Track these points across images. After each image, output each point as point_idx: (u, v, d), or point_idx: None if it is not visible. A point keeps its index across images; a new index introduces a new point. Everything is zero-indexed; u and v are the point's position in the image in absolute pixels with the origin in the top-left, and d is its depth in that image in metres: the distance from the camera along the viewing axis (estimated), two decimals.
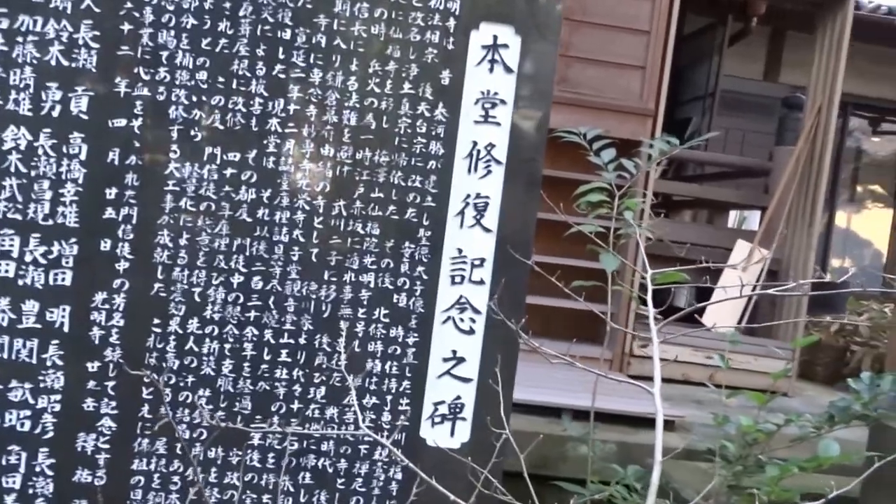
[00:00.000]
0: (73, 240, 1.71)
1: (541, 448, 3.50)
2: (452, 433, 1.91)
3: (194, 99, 1.74)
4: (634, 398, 4.25)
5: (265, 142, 1.76)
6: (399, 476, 1.89)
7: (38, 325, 1.71)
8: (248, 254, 1.77)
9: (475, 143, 1.85)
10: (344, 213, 1.80)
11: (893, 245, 5.35)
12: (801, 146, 5.30)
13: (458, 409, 1.90)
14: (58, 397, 1.72)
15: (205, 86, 1.74)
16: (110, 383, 1.75)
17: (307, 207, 1.78)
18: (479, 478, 1.63)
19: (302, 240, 1.78)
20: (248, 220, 1.77)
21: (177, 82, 1.73)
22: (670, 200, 8.35)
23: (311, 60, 1.78)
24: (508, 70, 1.88)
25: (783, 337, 5.48)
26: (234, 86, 1.75)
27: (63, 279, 1.71)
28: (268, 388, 1.80)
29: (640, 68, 4.99)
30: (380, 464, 1.88)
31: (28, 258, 1.69)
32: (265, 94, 1.76)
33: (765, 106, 8.38)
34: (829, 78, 5.25)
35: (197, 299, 1.77)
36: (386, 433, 1.87)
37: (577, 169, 3.95)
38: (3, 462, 1.71)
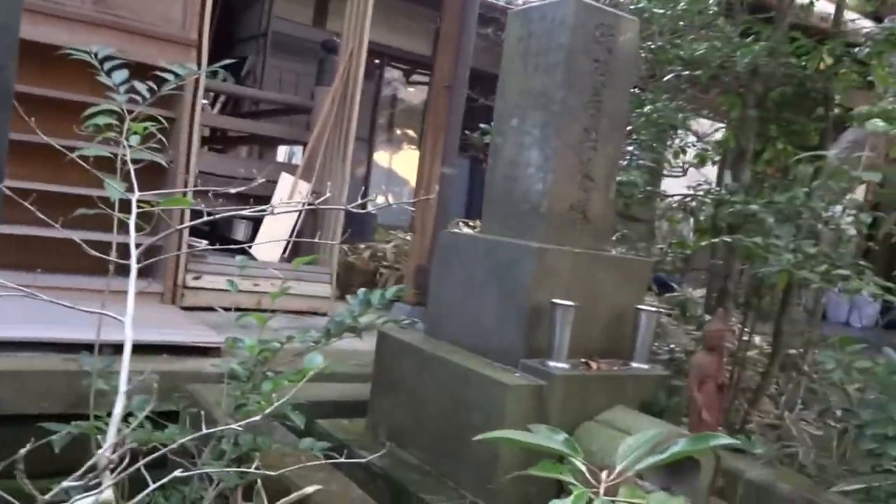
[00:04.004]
0: None
1: (74, 387, 3.02)
2: None
3: None
4: (185, 329, 3.98)
5: None
6: None
7: None
8: None
9: None
10: None
11: (418, 182, 5.70)
12: (336, 86, 5.34)
13: None
14: None
15: None
16: None
17: None
18: None
19: None
20: None
21: None
22: (228, 136, 8.06)
23: None
24: None
25: (323, 263, 5.57)
26: None
27: None
28: None
29: None
30: None
31: None
32: None
33: (314, 49, 8.46)
34: (359, 25, 5.34)
35: None
36: None
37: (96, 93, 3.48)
38: None
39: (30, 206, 1.55)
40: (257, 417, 1.49)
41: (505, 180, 2.95)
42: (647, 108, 3.89)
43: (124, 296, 1.48)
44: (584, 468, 1.28)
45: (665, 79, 4.04)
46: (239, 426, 1.41)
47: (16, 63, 1.53)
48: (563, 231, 2.81)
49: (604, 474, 1.27)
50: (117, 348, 3.21)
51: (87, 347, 3.30)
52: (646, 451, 1.34)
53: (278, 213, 5.44)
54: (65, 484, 1.02)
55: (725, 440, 1.27)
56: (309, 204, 5.30)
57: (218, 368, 2.31)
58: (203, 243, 5.39)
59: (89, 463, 1.07)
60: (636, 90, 4.06)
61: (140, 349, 3.49)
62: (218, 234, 7.11)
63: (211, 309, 4.53)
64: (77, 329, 3.22)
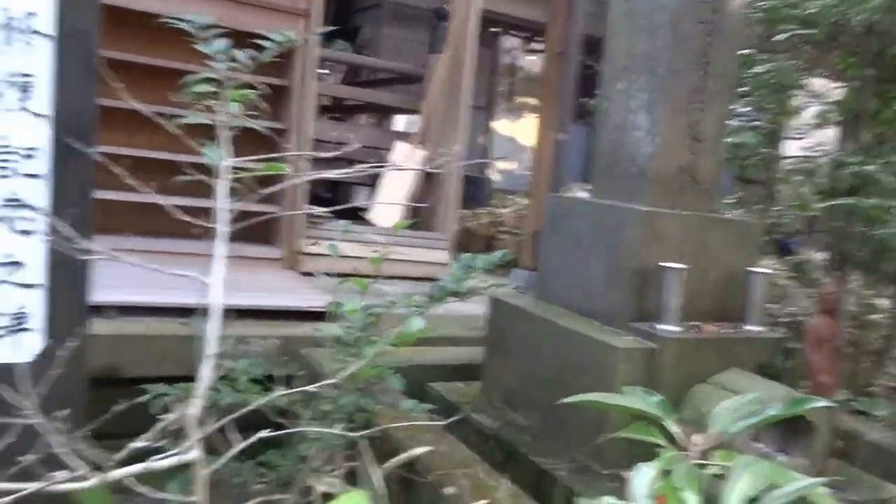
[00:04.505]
0: None
1: (192, 351, 3.19)
2: (19, 346, 1.56)
3: None
4: (301, 294, 4.10)
5: None
6: None
7: None
8: None
9: (7, 11, 1.44)
10: None
11: (535, 149, 5.65)
12: (448, 54, 5.33)
13: (22, 320, 1.56)
14: None
15: None
16: None
17: None
18: (63, 389, 1.31)
19: None
20: None
21: None
22: (346, 105, 8.20)
23: None
24: None
25: (440, 229, 5.59)
26: None
27: None
28: None
29: None
30: None
31: None
32: None
33: (428, 18, 8.46)
34: None
35: None
36: None
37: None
38: None
39: (118, 173, 1.59)
40: (336, 380, 1.51)
41: (612, 144, 2.89)
42: (760, 69, 3.68)
43: (235, 260, 1.53)
44: (677, 431, 1.23)
45: (779, 38, 3.80)
46: (318, 385, 1.43)
47: (99, 29, 1.57)
48: (671, 193, 2.74)
49: (697, 437, 1.22)
50: (240, 313, 3.38)
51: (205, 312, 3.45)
52: (744, 413, 1.28)
53: (394, 180, 5.52)
54: (133, 445, 1.07)
55: (824, 402, 1.20)
56: (425, 167, 5.36)
57: (323, 333, 2.37)
58: (320, 210, 5.49)
59: (160, 425, 1.12)
60: (749, 50, 3.84)
61: (258, 314, 3.63)
62: (338, 202, 7.28)
63: (329, 275, 4.62)
64: (192, 294, 3.33)
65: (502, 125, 11.81)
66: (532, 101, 11.73)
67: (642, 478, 1.05)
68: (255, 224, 1.76)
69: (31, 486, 1.00)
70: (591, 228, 2.81)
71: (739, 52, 2.92)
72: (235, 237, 1.59)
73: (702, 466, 1.09)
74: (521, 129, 12.11)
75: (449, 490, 2.17)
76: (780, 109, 3.92)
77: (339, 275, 2.36)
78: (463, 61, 5.32)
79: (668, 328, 2.53)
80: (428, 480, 2.22)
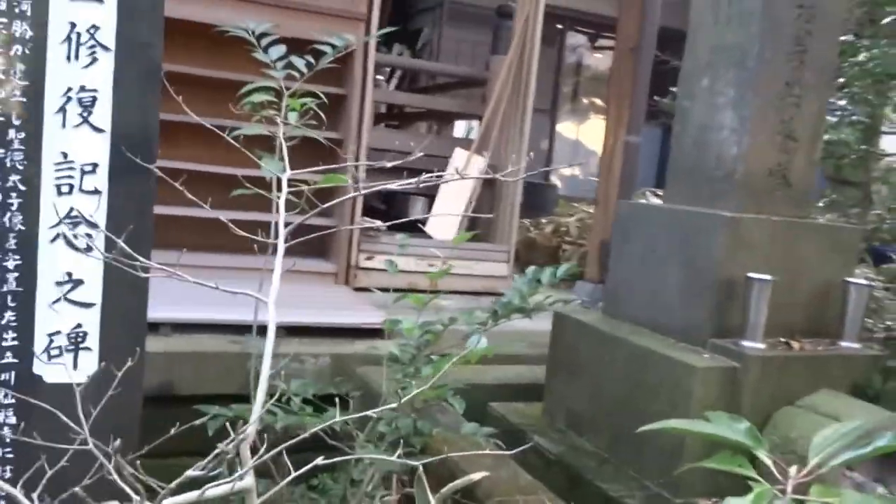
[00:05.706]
0: None
1: (246, 368, 3.20)
2: (76, 366, 1.61)
3: None
4: (355, 310, 4.11)
5: None
6: (13, 420, 1.58)
7: None
8: None
9: (74, 25, 1.50)
10: None
11: (603, 153, 5.58)
12: (511, 55, 5.30)
13: (79, 339, 1.61)
14: None
15: None
16: None
17: None
18: (118, 409, 1.35)
19: None
20: None
21: None
22: (404, 112, 8.26)
23: None
24: None
25: (500, 241, 5.56)
26: None
27: None
28: None
29: None
30: None
31: None
32: None
33: (491, 18, 8.47)
34: None
35: None
36: None
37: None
38: None
39: (179, 187, 1.62)
40: (396, 404, 1.51)
41: (694, 146, 2.85)
42: (862, 57, 3.56)
43: (287, 275, 1.55)
44: (769, 462, 1.20)
45: (884, 22, 3.68)
46: (376, 411, 1.44)
47: (162, 41, 1.61)
48: (760, 198, 2.70)
49: (793, 469, 1.19)
50: (291, 330, 3.38)
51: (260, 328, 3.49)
52: (847, 443, 1.24)
53: (452, 190, 5.52)
54: (189, 473, 1.08)
55: None
56: (488, 180, 5.34)
57: (378, 351, 2.36)
58: (377, 223, 5.52)
59: (216, 452, 1.13)
60: (850, 37, 3.73)
61: (310, 331, 3.63)
62: (393, 214, 7.32)
63: (384, 290, 4.61)
64: (245, 311, 3.32)
65: (566, 128, 11.70)
66: (598, 101, 11.61)
67: None
68: (312, 241, 1.77)
69: None
70: (669, 237, 2.77)
71: (840, 39, 2.84)
72: (290, 251, 1.60)
73: (798, 502, 1.06)
74: (586, 132, 11.97)
75: None
76: (882, 102, 3.78)
77: (396, 290, 2.37)
78: (527, 62, 5.29)
79: (753, 345, 2.47)
80: None
